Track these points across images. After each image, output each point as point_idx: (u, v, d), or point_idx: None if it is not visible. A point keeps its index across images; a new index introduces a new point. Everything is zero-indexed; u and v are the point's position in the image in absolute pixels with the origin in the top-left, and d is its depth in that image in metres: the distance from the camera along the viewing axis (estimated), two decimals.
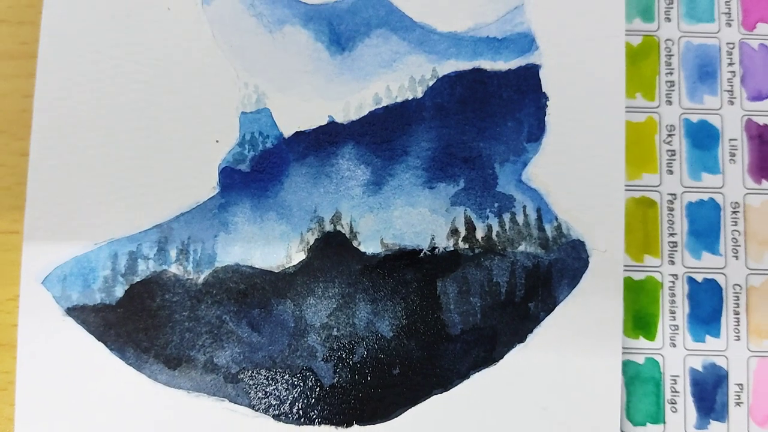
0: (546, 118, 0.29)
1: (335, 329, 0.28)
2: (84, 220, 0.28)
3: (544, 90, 0.29)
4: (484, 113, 0.29)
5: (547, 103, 0.29)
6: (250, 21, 0.29)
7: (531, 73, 0.29)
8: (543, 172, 0.29)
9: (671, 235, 0.31)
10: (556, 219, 0.28)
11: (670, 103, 0.31)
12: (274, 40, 0.29)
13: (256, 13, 0.29)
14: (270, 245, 0.28)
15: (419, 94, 0.29)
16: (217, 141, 0.28)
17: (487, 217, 0.28)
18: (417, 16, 0.29)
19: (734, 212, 0.31)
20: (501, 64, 0.29)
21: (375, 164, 0.28)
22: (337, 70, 0.29)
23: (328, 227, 0.28)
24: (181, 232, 0.28)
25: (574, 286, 0.28)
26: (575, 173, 0.29)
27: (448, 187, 0.28)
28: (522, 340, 0.28)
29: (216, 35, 0.29)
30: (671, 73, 0.32)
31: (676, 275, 0.30)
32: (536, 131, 0.29)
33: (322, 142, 0.29)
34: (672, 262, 0.30)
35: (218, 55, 0.29)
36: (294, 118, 0.29)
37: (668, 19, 0.32)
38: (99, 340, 0.27)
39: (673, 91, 0.31)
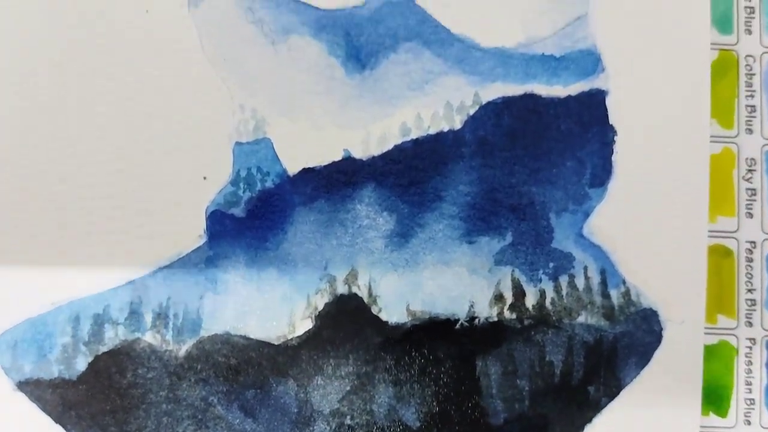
0: (613, 158, 0.25)
1: (348, 417, 0.25)
2: (39, 274, 0.24)
3: (611, 122, 0.25)
4: (538, 150, 0.25)
5: (615, 138, 0.25)
6: (248, 29, 0.25)
7: (596, 100, 0.25)
8: (608, 225, 0.25)
9: (749, 291, 0.27)
10: (624, 283, 0.25)
11: (750, 132, 0.28)
12: (277, 53, 0.25)
13: (256, 19, 0.25)
14: (269, 310, 0.24)
15: (457, 125, 0.25)
16: (204, 178, 0.25)
17: (540, 280, 0.25)
18: (456, 27, 0.25)
19: None
20: (559, 89, 0.25)
21: (401, 211, 0.25)
22: (355, 92, 0.25)
23: (342, 289, 0.25)
24: (158, 292, 0.24)
25: (644, 366, 0.25)
26: (648, 226, 0.25)
27: (491, 242, 0.25)
28: (579, 431, 0.25)
29: (205, 46, 0.25)
30: (752, 96, 0.28)
31: (753, 339, 0.27)
32: (601, 174, 0.25)
33: (336, 182, 0.25)
34: (749, 324, 0.27)
35: (208, 71, 0.25)
36: (301, 151, 0.25)
37: (749, 32, 0.28)
38: (56, 422, 0.24)
39: (754, 117, 0.28)
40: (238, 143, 0.25)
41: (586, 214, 0.25)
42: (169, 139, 0.25)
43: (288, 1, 0.25)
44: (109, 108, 0.25)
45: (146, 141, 0.25)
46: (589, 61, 0.25)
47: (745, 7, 0.28)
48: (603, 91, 0.25)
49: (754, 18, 0.28)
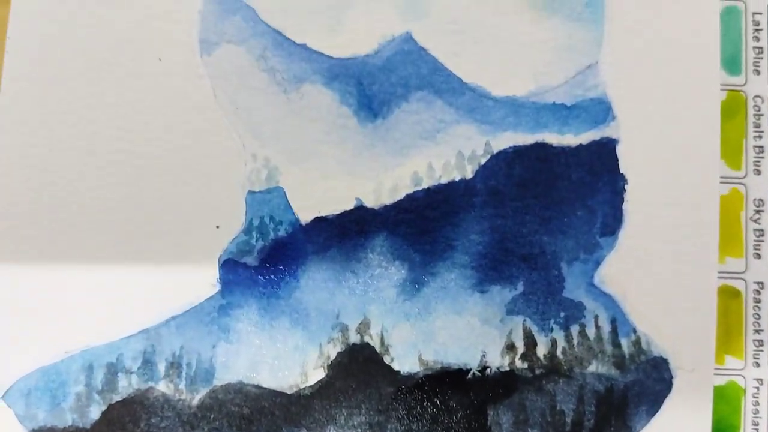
0: (624, 206, 0.25)
1: None
2: (53, 323, 0.24)
3: (622, 170, 0.25)
4: (549, 200, 0.24)
5: (626, 187, 0.25)
6: (261, 77, 0.25)
7: (607, 149, 0.25)
8: (619, 274, 0.25)
9: (757, 332, 0.27)
10: (635, 332, 0.25)
11: (758, 172, 0.28)
12: (289, 102, 0.25)
13: (268, 67, 0.25)
14: (281, 359, 0.24)
15: (469, 174, 0.25)
16: (217, 226, 0.24)
17: (551, 330, 0.24)
18: (467, 76, 0.25)
19: None
20: (570, 138, 0.25)
21: (413, 260, 0.24)
22: (367, 141, 0.24)
23: (354, 338, 0.24)
24: (172, 341, 0.24)
25: (654, 414, 0.24)
26: (658, 272, 0.25)
27: (503, 292, 0.24)
28: None
29: (218, 94, 0.25)
30: (760, 137, 0.28)
31: (761, 380, 0.27)
32: (612, 222, 0.25)
33: (348, 231, 0.24)
34: (757, 365, 0.27)
35: (220, 119, 0.24)
36: (313, 199, 0.24)
37: (757, 72, 0.28)
38: None
39: (762, 158, 0.28)
40: (250, 192, 0.24)
41: (597, 263, 0.24)
42: (181, 187, 0.24)
43: (300, 50, 0.25)
44: (121, 156, 0.24)
45: (159, 189, 0.24)
46: (600, 110, 0.25)
47: (754, 48, 0.28)
48: (614, 139, 0.25)
49: (762, 58, 0.28)
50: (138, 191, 0.24)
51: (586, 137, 0.25)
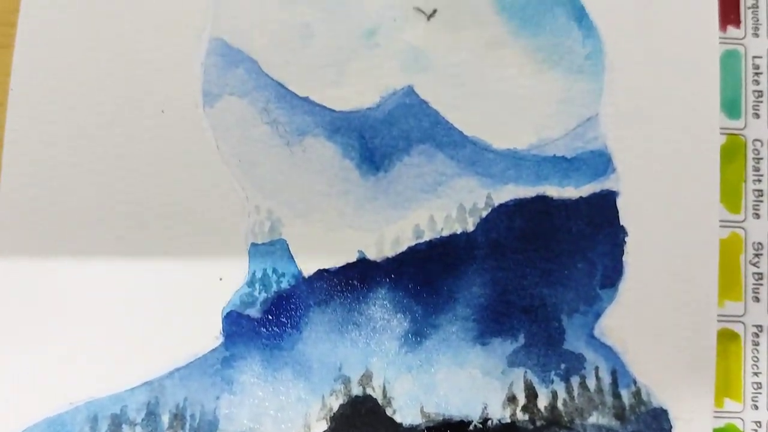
0: (624, 258, 0.25)
1: None
2: (58, 375, 0.24)
3: (622, 222, 0.25)
4: (550, 252, 0.24)
5: (626, 239, 0.25)
6: (263, 129, 0.25)
7: (607, 201, 0.25)
8: (619, 325, 0.25)
9: (756, 374, 0.27)
10: (635, 383, 0.25)
11: (757, 216, 0.28)
12: (292, 155, 0.25)
13: (271, 119, 0.25)
14: (284, 411, 0.24)
15: (470, 227, 0.25)
16: (220, 279, 0.24)
17: (552, 382, 0.24)
18: (468, 129, 0.25)
19: None
20: (570, 191, 0.25)
21: (415, 313, 0.24)
22: (369, 194, 0.24)
23: (356, 390, 0.24)
24: (175, 392, 0.24)
25: None
26: (658, 323, 0.25)
27: (504, 344, 0.24)
28: None
29: (221, 146, 0.25)
30: (759, 181, 0.28)
31: (759, 422, 0.27)
32: (612, 274, 0.25)
33: (350, 284, 0.24)
34: (756, 407, 0.27)
35: (223, 171, 0.25)
36: (316, 252, 0.24)
37: (756, 115, 0.28)
38: None
39: (761, 202, 0.28)
40: (253, 244, 0.24)
41: (597, 315, 0.24)
42: (184, 239, 0.24)
43: (303, 103, 0.25)
44: (124, 207, 0.24)
45: (162, 241, 0.24)
46: (600, 162, 0.25)
47: (754, 91, 0.28)
48: (614, 192, 0.25)
49: (762, 102, 0.28)
50: (141, 243, 0.24)
51: (586, 189, 0.25)
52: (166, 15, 0.25)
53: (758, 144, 0.28)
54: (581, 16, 0.25)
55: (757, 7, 0.29)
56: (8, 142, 0.24)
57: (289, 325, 0.24)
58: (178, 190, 0.24)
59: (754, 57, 0.28)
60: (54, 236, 0.24)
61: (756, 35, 0.28)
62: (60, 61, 0.25)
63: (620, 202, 0.25)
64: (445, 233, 0.25)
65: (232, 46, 0.25)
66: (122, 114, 0.24)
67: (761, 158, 0.28)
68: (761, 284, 0.27)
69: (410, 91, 0.25)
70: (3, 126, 0.25)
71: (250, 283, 0.24)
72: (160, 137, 0.24)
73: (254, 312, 0.24)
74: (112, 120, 0.24)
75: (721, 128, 0.27)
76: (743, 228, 0.27)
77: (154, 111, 0.24)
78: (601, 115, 0.25)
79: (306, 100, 0.25)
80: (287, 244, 0.24)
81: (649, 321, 0.25)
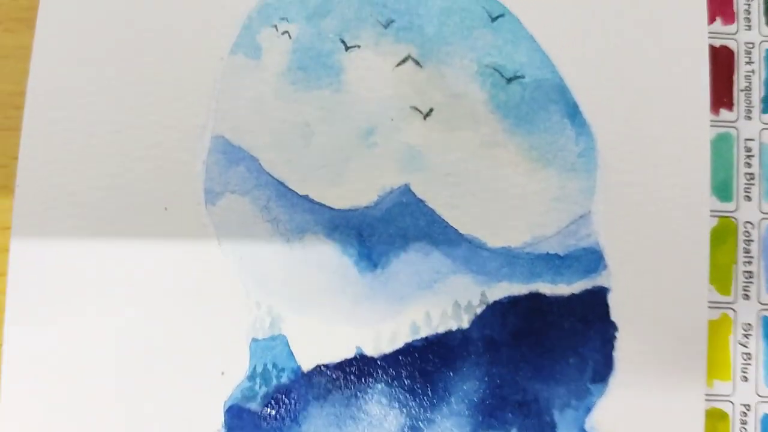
0: (614, 353, 0.25)
1: None
2: None
3: (612, 318, 0.25)
4: (542, 348, 0.25)
5: (616, 334, 0.25)
6: (264, 227, 0.25)
7: (598, 298, 0.25)
8: (610, 418, 0.25)
9: None
10: None
11: (747, 297, 0.28)
12: (292, 252, 0.25)
13: (271, 217, 0.25)
14: None
15: (465, 324, 0.25)
16: (222, 373, 0.25)
17: None
18: (464, 228, 0.25)
19: None
20: (563, 288, 0.25)
21: (410, 408, 0.25)
22: (367, 291, 0.25)
23: None
24: None
25: None
26: (648, 416, 0.25)
27: None
28: None
29: (222, 243, 0.25)
30: (750, 263, 0.28)
31: None
32: (602, 369, 0.25)
33: (348, 379, 0.25)
34: None
35: (225, 268, 0.25)
36: (315, 348, 0.25)
37: (748, 198, 0.28)
38: None
39: (751, 283, 0.28)
40: (254, 339, 0.25)
41: (588, 409, 0.25)
42: (187, 335, 0.25)
43: (303, 201, 0.25)
44: (128, 309, 0.25)
45: (165, 335, 0.25)
46: (592, 260, 0.25)
47: (745, 174, 0.28)
48: (605, 288, 0.25)
49: (753, 185, 0.28)
50: (145, 336, 0.25)
51: (578, 286, 0.25)
52: (168, 112, 0.25)
53: (749, 226, 0.28)
54: (574, 114, 0.25)
55: (750, 89, 0.29)
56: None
57: (288, 419, 0.24)
58: (181, 286, 0.25)
59: (746, 139, 0.28)
60: (53, 337, 0.25)
61: (748, 118, 0.29)
62: (65, 158, 0.25)
63: (611, 298, 0.25)
64: (441, 330, 0.25)
65: (233, 144, 0.25)
66: (125, 212, 0.25)
67: (752, 240, 0.28)
68: (749, 364, 0.27)
69: (407, 190, 0.25)
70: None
71: (251, 378, 0.25)
72: (163, 234, 0.25)
73: (255, 406, 0.24)
74: (115, 218, 0.25)
75: (713, 210, 0.28)
76: (733, 309, 0.28)
77: (157, 208, 0.25)
78: (593, 213, 0.25)
79: (306, 198, 0.25)
80: (287, 340, 0.25)
81: (640, 412, 0.25)
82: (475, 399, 0.25)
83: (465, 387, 0.25)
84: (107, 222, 0.25)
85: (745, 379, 0.27)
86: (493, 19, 0.26)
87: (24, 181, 0.25)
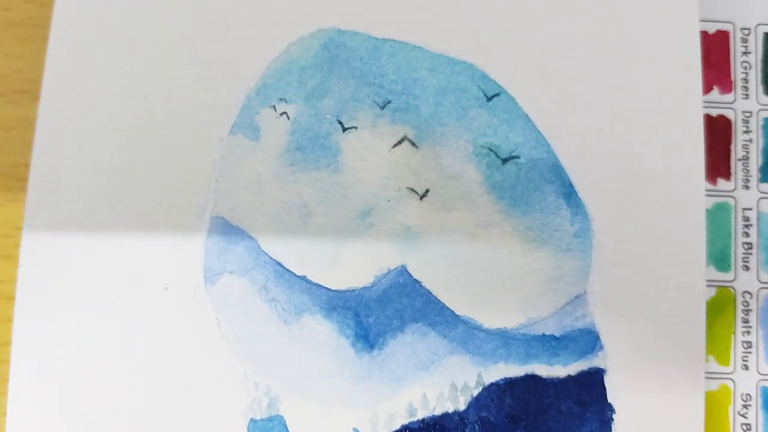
0: None
1: None
2: None
3: (609, 400, 0.25)
4: (539, 430, 0.25)
5: (613, 416, 0.25)
6: (262, 307, 0.25)
7: (594, 379, 0.25)
8: None
9: None
10: None
11: (746, 368, 0.28)
12: (290, 332, 0.25)
13: (270, 298, 0.25)
14: None
15: (462, 406, 0.25)
16: None
17: None
18: (460, 309, 0.25)
19: None
20: (559, 369, 0.25)
21: None
22: (364, 372, 0.25)
23: None
24: None
25: None
26: None
27: None
28: None
29: (221, 323, 0.25)
30: (748, 332, 0.28)
31: None
32: None
33: None
34: None
35: (224, 347, 0.25)
36: (312, 429, 0.25)
37: (746, 268, 0.29)
38: None
39: (750, 353, 0.28)
40: (252, 420, 0.25)
41: None
42: (185, 414, 0.25)
43: (300, 282, 0.25)
44: (131, 390, 0.25)
45: (163, 421, 0.25)
46: (588, 340, 0.25)
47: (743, 243, 0.28)
48: (601, 369, 0.25)
49: (751, 254, 0.28)
50: (143, 415, 0.25)
51: (574, 368, 0.25)
52: (168, 192, 0.26)
53: (747, 296, 0.28)
54: (570, 193, 0.26)
55: (747, 158, 0.29)
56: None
57: None
58: (179, 367, 0.25)
59: (744, 209, 0.29)
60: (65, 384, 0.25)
61: (746, 187, 0.29)
62: (68, 247, 0.25)
63: (608, 380, 0.25)
64: (438, 412, 0.25)
65: (232, 225, 0.25)
66: (125, 293, 0.25)
67: (750, 310, 0.28)
68: None
69: (403, 271, 0.25)
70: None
71: None
72: (162, 314, 0.25)
73: None
74: (116, 297, 0.25)
75: (711, 281, 0.28)
76: (732, 380, 0.28)
77: (156, 288, 0.25)
78: (588, 293, 0.25)
79: (303, 279, 0.25)
80: (285, 421, 0.25)
81: None
82: None
83: None
84: (106, 303, 0.25)
85: None
86: (489, 99, 0.26)
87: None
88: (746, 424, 0.28)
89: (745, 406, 0.28)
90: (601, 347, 0.25)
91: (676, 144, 0.26)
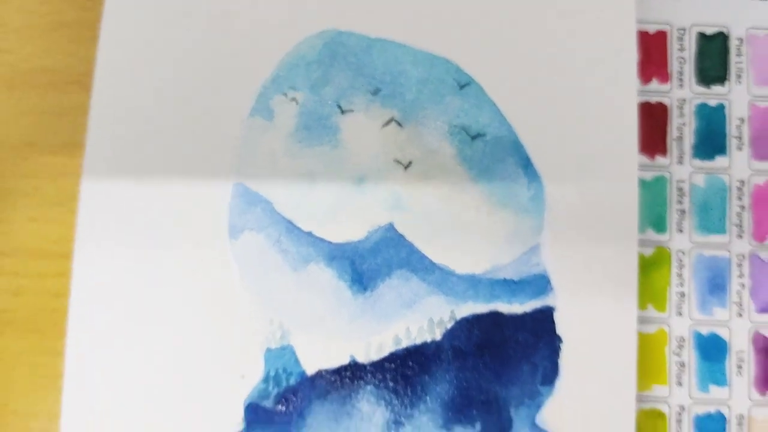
0: (559, 362, 0.30)
1: None
2: None
3: (558, 333, 0.30)
4: (501, 357, 0.29)
5: (561, 346, 0.30)
6: (276, 258, 0.30)
7: (545, 315, 0.30)
8: (556, 415, 0.29)
9: None
10: None
11: (680, 314, 0.32)
12: (298, 278, 0.30)
13: (282, 250, 0.30)
14: None
15: (438, 337, 0.29)
16: (242, 377, 0.29)
17: None
18: (437, 258, 0.30)
19: (739, 424, 0.31)
20: (517, 307, 0.30)
21: (394, 405, 0.29)
22: (359, 310, 0.30)
23: None
24: None
25: None
26: (587, 416, 0.29)
27: (465, 430, 0.29)
28: None
29: (242, 271, 0.30)
30: (682, 285, 0.32)
31: None
32: (550, 374, 0.29)
33: (344, 382, 0.29)
34: None
35: (245, 291, 0.30)
36: (317, 356, 0.29)
37: (680, 230, 0.32)
38: None
39: (683, 303, 0.32)
40: (268, 349, 0.29)
41: (538, 407, 0.29)
42: (212, 346, 0.29)
43: (307, 236, 0.30)
44: (164, 326, 0.29)
45: (195, 348, 0.29)
46: (541, 284, 0.30)
47: (678, 210, 0.32)
48: (551, 307, 0.29)
49: (684, 219, 0.32)
50: (177, 345, 0.29)
51: (529, 306, 0.29)
52: (200, 164, 0.30)
53: (681, 254, 0.32)
54: (527, 165, 0.31)
55: (682, 139, 0.33)
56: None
57: (296, 414, 0.29)
58: (208, 307, 0.29)
59: (678, 181, 0.32)
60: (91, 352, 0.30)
61: (680, 163, 0.33)
62: (122, 200, 0.30)
63: (556, 316, 0.30)
64: (418, 341, 0.29)
65: (251, 190, 0.30)
66: (161, 248, 0.30)
67: (684, 265, 0.32)
68: (683, 371, 0.31)
69: (391, 228, 0.30)
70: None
71: (265, 380, 0.29)
72: (195, 263, 0.30)
73: (269, 404, 0.29)
74: (155, 253, 0.30)
75: (650, 241, 0.32)
76: (668, 325, 0.32)
77: (192, 241, 0.30)
78: (541, 245, 0.30)
79: (309, 234, 0.30)
80: (294, 350, 0.29)
81: (580, 412, 0.29)
82: (446, 398, 0.29)
83: (438, 388, 0.29)
84: (154, 250, 0.30)
85: (680, 384, 0.31)
86: (461, 87, 0.31)
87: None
88: (680, 362, 0.31)
89: (679, 347, 0.32)
90: (552, 289, 0.30)
91: (614, 125, 0.31)
